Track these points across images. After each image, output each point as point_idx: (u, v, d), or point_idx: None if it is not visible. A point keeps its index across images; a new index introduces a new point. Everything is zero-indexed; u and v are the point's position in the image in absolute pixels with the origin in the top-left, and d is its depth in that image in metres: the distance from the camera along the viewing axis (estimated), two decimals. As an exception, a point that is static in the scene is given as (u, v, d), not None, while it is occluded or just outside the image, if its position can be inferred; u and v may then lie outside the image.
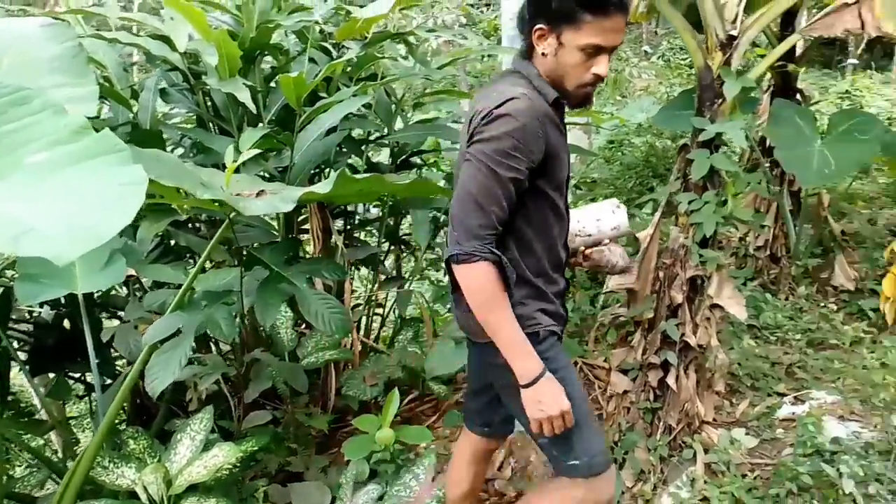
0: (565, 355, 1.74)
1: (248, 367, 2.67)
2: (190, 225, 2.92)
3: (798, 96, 3.65)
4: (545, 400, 1.55)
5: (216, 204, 1.81)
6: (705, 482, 2.43)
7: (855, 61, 10.68)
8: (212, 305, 2.20)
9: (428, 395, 3.45)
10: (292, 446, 2.85)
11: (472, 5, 9.58)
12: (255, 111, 2.64)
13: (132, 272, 2.56)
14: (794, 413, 2.82)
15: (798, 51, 3.72)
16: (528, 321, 1.62)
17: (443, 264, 3.76)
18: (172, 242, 2.90)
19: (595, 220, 2.07)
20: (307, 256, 3.31)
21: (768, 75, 3.78)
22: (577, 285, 3.87)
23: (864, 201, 4.84)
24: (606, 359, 3.08)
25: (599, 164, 5.50)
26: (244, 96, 2.36)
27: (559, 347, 1.73)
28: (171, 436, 2.31)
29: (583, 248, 2.09)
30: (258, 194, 1.97)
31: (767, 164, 3.64)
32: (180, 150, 3.07)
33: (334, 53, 3.09)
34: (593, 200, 4.61)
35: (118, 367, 2.98)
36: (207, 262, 2.93)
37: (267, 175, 2.74)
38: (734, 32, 2.21)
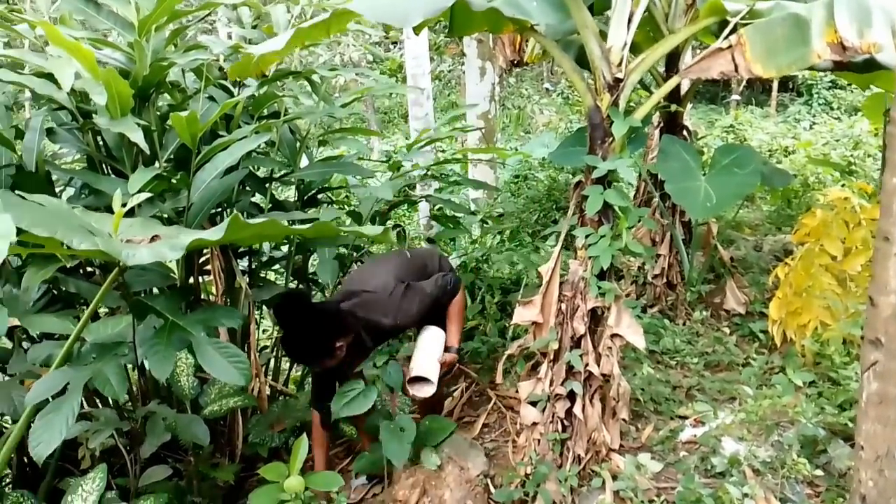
0: None
1: (144, 421, 2.53)
2: (81, 270, 2.76)
3: (684, 132, 3.87)
4: None
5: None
6: (614, 509, 2.48)
7: (738, 97, 11.53)
8: (101, 358, 2.08)
9: (341, 438, 3.38)
10: (196, 500, 2.71)
11: (377, 44, 9.70)
12: (148, 151, 2.55)
13: (17, 322, 2.39)
14: (695, 435, 2.93)
15: (683, 89, 3.96)
16: None
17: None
18: (63, 289, 2.73)
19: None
20: (209, 300, 3.20)
21: (657, 113, 4.00)
22: (487, 317, 3.91)
23: (750, 228, 5.18)
24: (517, 390, 3.11)
25: (505, 199, 5.64)
26: (136, 136, 2.28)
27: None
28: (62, 495, 2.15)
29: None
30: (152, 239, 1.90)
31: (659, 197, 3.83)
32: (70, 192, 2.92)
33: (235, 91, 3.05)
34: (500, 234, 4.71)
35: (4, 425, 2.76)
36: (102, 309, 2.78)
37: (165, 216, 2.65)
38: (620, 75, 2.33)
